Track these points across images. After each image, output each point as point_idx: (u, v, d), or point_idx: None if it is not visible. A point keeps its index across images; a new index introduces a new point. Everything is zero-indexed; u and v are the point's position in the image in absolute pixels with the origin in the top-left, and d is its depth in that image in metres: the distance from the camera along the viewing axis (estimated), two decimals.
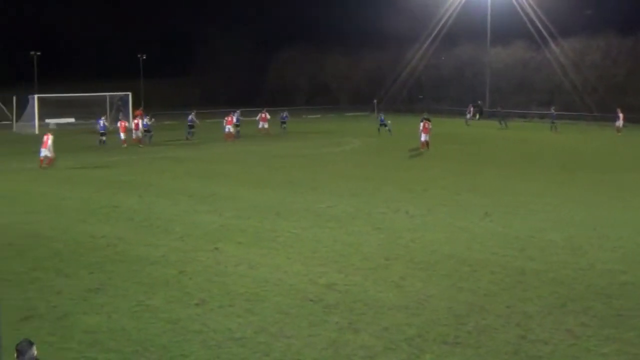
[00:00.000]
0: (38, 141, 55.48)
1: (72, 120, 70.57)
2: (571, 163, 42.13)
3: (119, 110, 71.50)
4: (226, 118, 58.23)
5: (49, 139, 40.28)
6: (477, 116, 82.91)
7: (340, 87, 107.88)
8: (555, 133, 63.04)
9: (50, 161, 39.76)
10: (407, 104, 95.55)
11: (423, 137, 48.64)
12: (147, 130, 54.85)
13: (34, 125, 64.21)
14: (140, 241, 21.85)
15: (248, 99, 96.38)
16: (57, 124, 68.24)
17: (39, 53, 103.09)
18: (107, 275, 18.06)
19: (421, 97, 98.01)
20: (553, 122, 66.19)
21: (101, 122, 53.01)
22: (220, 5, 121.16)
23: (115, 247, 21.08)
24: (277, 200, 29.13)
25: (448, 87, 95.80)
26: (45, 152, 39.88)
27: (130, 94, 72.80)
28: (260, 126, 61.69)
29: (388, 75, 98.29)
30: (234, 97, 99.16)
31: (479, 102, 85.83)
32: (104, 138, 51.48)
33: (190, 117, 58.63)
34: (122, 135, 51.81)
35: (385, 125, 61.47)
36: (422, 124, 49.24)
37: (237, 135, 57.50)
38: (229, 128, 57.06)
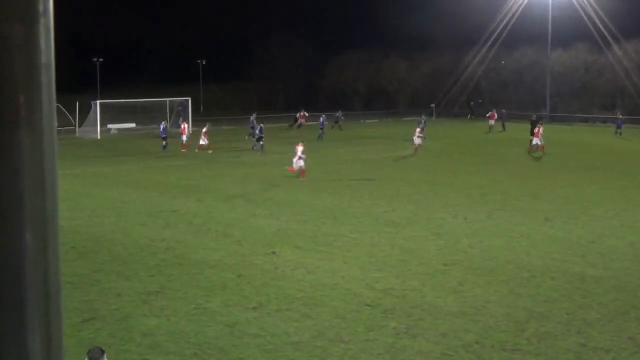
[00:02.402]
0: (100, 146, 56.66)
1: (133, 125, 71.61)
2: (634, 168, 41.31)
3: (179, 116, 72.42)
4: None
5: (299, 149, 37.14)
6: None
7: (399, 92, 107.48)
8: (619, 138, 61.41)
9: (304, 172, 36.64)
10: (466, 108, 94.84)
11: (535, 141, 48.42)
12: (258, 139, 50.41)
13: (97, 130, 65.37)
14: (199, 245, 22.07)
15: (306, 103, 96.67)
16: (119, 130, 69.39)
17: (101, 60, 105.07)
18: (167, 279, 18.28)
19: (480, 101, 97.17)
20: (619, 128, 63.75)
21: (162, 126, 53.49)
22: (279, 10, 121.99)
23: (175, 251, 21.32)
24: (335, 204, 29.14)
25: (508, 92, 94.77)
26: (300, 163, 36.69)
27: (189, 99, 73.63)
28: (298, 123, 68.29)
29: (447, 79, 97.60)
30: (292, 102, 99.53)
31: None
32: (164, 143, 51.82)
33: (251, 120, 60.18)
34: (184, 138, 52.30)
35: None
36: (536, 128, 49.22)
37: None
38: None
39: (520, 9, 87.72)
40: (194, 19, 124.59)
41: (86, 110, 68.04)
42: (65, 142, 56.15)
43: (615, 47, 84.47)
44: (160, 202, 30.02)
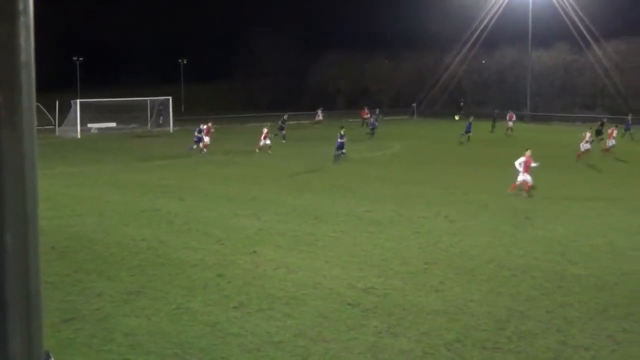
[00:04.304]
0: (80, 145, 56.36)
1: (113, 124, 71.36)
2: (617, 168, 41.52)
3: (160, 115, 72.30)
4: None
5: (525, 159, 32.45)
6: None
7: (381, 91, 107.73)
8: (629, 140, 58.82)
9: (528, 186, 31.98)
10: (447, 107, 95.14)
11: (611, 142, 48.50)
12: (339, 146, 44.25)
13: (76, 129, 65.12)
14: (180, 244, 22.00)
15: (289, 102, 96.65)
16: (99, 129, 69.10)
17: (81, 59, 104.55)
18: (148, 278, 18.20)
19: (462, 100, 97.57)
20: (628, 130, 60.92)
21: (196, 132, 51.44)
22: (262, 9, 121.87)
23: (156, 250, 21.24)
24: (317, 204, 29.14)
25: (490, 91, 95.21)
26: (524, 176, 32.09)
27: (170, 98, 73.45)
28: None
29: (428, 78, 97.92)
30: (276, 101, 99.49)
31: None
32: (195, 146, 49.82)
33: (283, 119, 61.43)
34: (207, 139, 51.26)
35: (469, 132, 58.04)
36: (610, 130, 49.49)
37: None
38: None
39: (501, 9, 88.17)
40: (176, 17, 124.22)
41: (66, 109, 67.71)
42: (45, 142, 55.86)
43: (595, 47, 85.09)
44: (142, 202, 29.90)
